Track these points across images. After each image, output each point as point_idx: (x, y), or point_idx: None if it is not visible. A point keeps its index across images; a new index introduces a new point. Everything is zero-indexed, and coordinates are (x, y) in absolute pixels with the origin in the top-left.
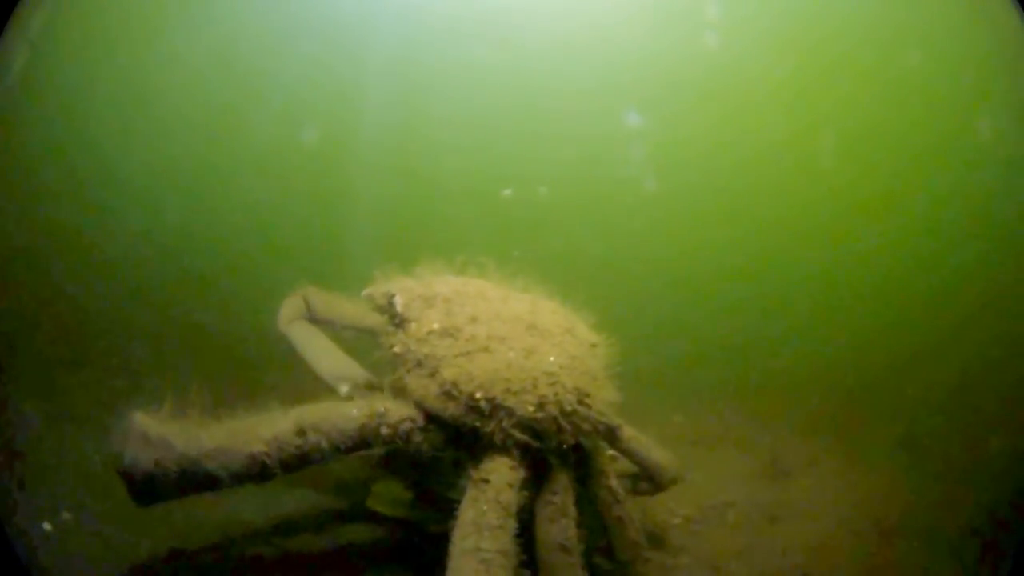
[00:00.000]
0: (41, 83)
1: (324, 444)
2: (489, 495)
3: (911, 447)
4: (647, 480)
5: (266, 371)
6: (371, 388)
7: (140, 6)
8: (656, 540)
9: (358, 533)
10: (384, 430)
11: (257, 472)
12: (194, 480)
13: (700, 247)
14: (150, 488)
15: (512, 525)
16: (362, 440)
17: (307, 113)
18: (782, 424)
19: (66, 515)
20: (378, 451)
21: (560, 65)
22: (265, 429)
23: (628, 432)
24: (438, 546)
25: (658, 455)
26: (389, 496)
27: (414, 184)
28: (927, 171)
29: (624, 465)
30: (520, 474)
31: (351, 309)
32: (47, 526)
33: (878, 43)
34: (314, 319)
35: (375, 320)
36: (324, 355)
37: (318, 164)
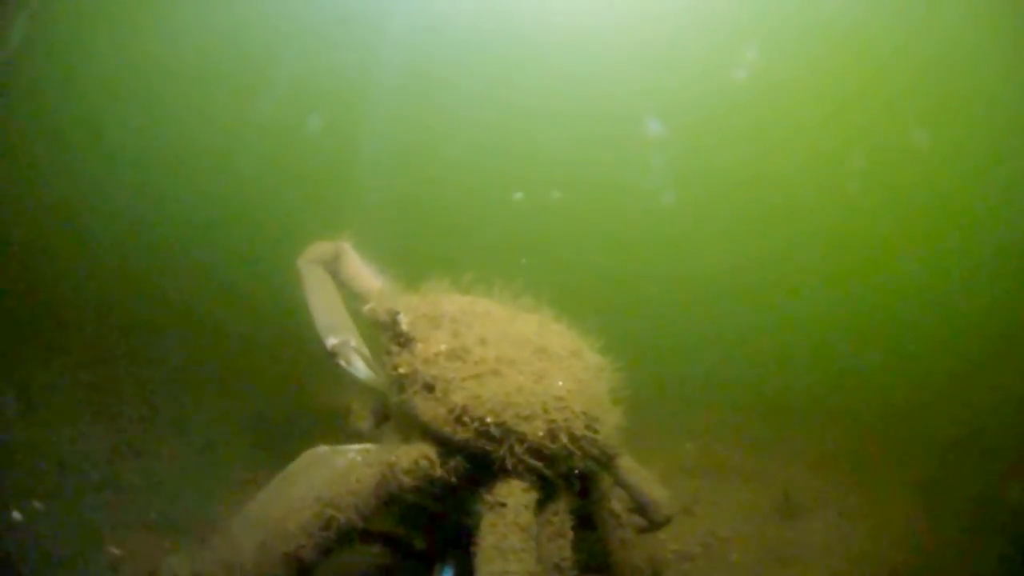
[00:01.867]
0: (39, 57)
1: (352, 517)
2: (508, 519)
3: (928, 490)
4: (640, 514)
5: (256, 358)
6: (357, 351)
7: None
8: (655, 574)
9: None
10: (403, 478)
11: (302, 568)
12: None
13: (715, 266)
14: None
15: (533, 546)
16: (385, 495)
17: (313, 101)
18: (797, 459)
19: (37, 504)
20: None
21: (579, 67)
22: (290, 522)
23: (626, 462)
24: (425, 562)
25: (655, 491)
26: None
27: (422, 182)
28: (955, 200)
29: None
30: (534, 496)
31: (375, 285)
32: (16, 515)
33: (912, 64)
34: (334, 273)
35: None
36: (325, 305)
37: (321, 154)
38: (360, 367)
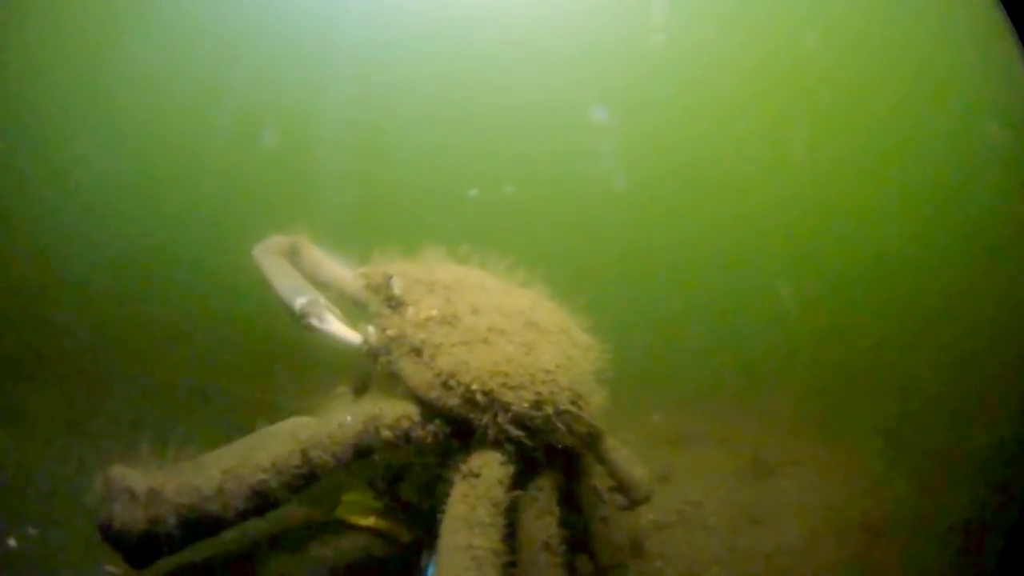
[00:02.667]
0: None
1: (326, 459)
2: (480, 491)
3: (894, 444)
4: (620, 493)
5: (236, 378)
6: (327, 310)
7: (94, 11)
8: (634, 545)
9: (329, 543)
10: (384, 432)
11: (263, 503)
12: (197, 528)
13: (672, 244)
14: (148, 548)
15: (501, 523)
16: (363, 447)
17: (267, 116)
18: (763, 422)
19: (31, 530)
20: (383, 456)
21: (523, 63)
22: (262, 456)
23: (609, 442)
24: (408, 554)
25: (636, 470)
26: (359, 505)
27: (378, 186)
28: (900, 163)
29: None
30: (509, 470)
31: (338, 272)
32: (12, 542)
33: (849, 35)
34: (296, 266)
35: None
36: (286, 277)
37: (278, 168)
38: (334, 323)
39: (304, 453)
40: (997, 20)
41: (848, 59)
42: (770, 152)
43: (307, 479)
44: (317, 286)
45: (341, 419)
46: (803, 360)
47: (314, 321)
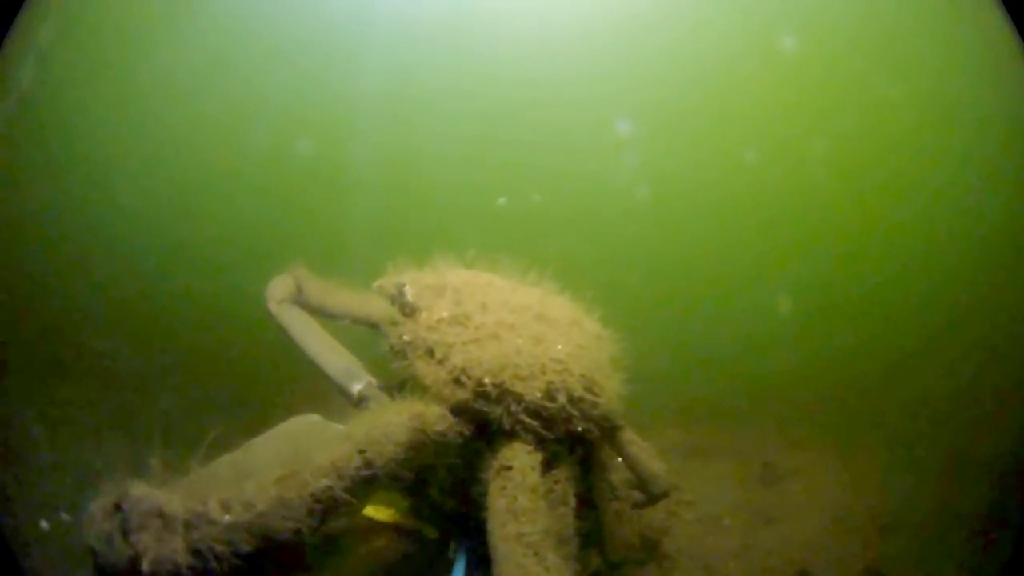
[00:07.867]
0: (36, 102)
1: (385, 458)
2: (516, 480)
3: (903, 447)
4: (638, 490)
5: (262, 382)
6: (381, 387)
7: (131, 26)
8: (649, 542)
9: (354, 539)
10: (435, 425)
11: (325, 510)
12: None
13: (690, 256)
14: None
15: (543, 505)
16: (416, 444)
17: (300, 128)
18: (774, 431)
19: (63, 516)
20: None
21: (550, 75)
22: (320, 459)
23: (628, 435)
24: (434, 550)
25: (653, 464)
26: (387, 503)
27: (409, 195)
28: (915, 178)
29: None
30: (538, 457)
31: (348, 298)
32: (44, 524)
33: (868, 52)
34: (305, 303)
35: (375, 310)
36: (327, 350)
37: (311, 179)
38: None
39: (362, 453)
40: (1008, 37)
41: (867, 77)
42: (790, 167)
43: (368, 481)
44: (328, 317)
45: (392, 417)
46: (814, 370)
47: (373, 406)
